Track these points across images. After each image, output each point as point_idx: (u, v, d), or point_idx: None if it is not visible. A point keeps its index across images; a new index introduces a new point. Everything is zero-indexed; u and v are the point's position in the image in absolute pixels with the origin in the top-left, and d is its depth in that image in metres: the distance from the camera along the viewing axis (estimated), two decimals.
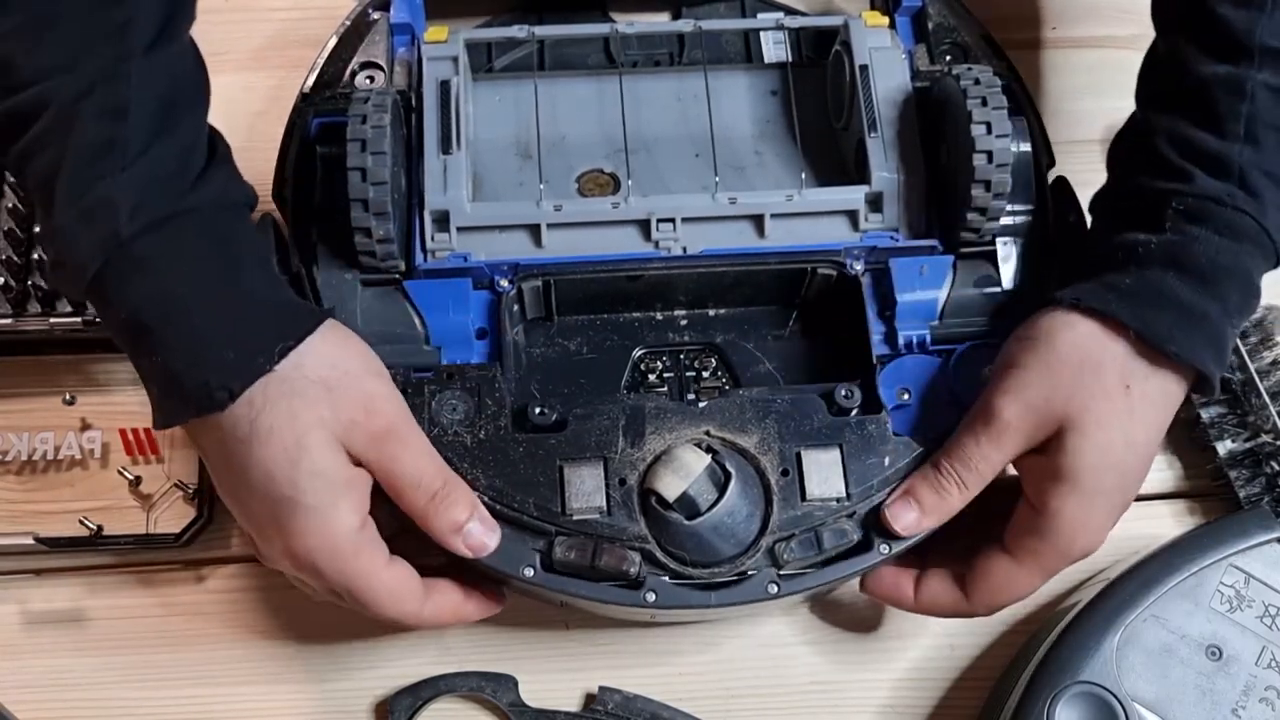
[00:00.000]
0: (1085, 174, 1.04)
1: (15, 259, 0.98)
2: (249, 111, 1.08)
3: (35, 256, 0.99)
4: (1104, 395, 0.79)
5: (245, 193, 0.81)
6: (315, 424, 0.75)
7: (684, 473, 0.81)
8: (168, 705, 0.93)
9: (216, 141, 0.82)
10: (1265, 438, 0.95)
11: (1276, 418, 0.94)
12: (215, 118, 1.07)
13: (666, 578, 0.81)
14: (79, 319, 0.97)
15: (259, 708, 0.93)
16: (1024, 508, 0.83)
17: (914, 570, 0.87)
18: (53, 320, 0.97)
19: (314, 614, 0.94)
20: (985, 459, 0.82)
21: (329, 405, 0.75)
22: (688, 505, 0.81)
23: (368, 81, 0.93)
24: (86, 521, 0.94)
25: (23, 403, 0.99)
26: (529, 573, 0.81)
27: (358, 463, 0.77)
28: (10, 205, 0.99)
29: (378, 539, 0.78)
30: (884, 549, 0.83)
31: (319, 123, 0.91)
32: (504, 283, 0.88)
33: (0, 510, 0.97)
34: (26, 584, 0.96)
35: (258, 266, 0.79)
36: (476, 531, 0.80)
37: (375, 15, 0.95)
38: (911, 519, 0.83)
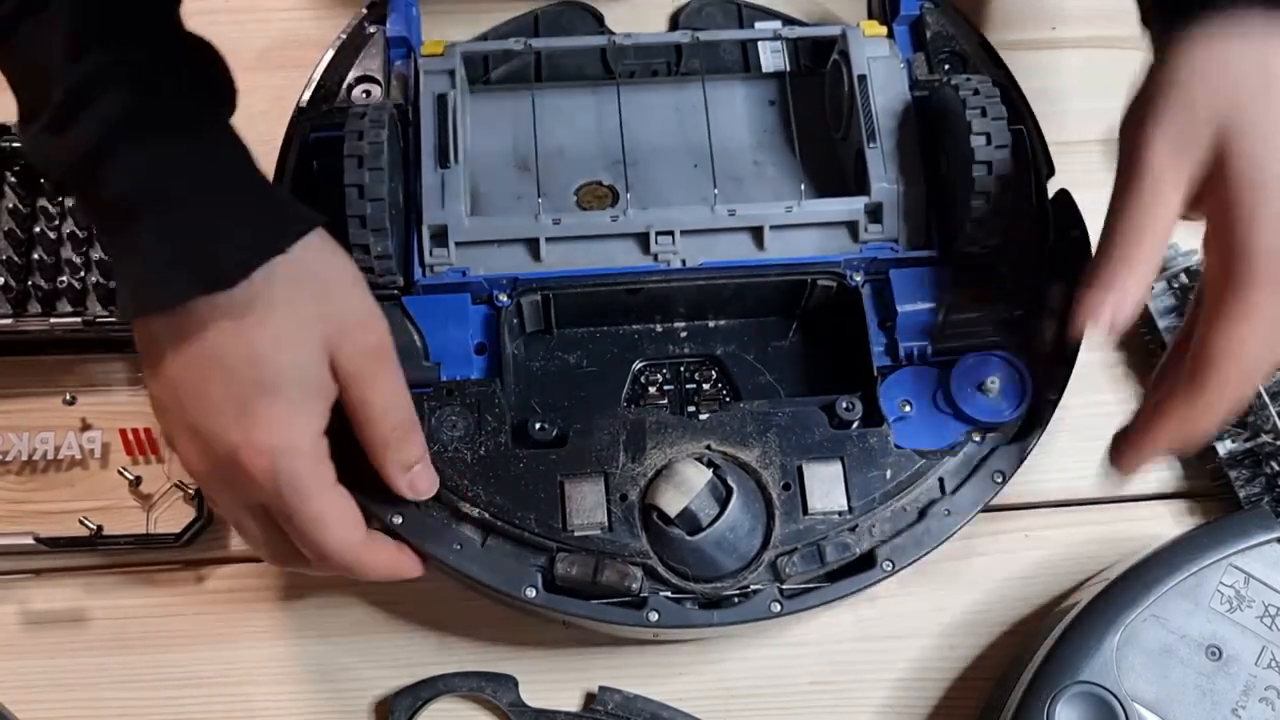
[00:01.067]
0: (1085, 175, 1.03)
1: (15, 259, 0.98)
2: (252, 112, 1.07)
3: (35, 256, 0.98)
4: (1264, 94, 0.71)
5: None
6: (313, 318, 0.73)
7: (685, 488, 0.81)
8: (167, 705, 0.94)
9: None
10: (1265, 438, 0.95)
11: (1276, 418, 0.94)
12: None
13: (668, 593, 0.82)
14: (79, 319, 0.97)
15: (259, 707, 0.94)
16: (1212, 260, 0.74)
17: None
18: (53, 320, 0.97)
19: (314, 614, 0.94)
20: (1152, 216, 0.73)
21: (329, 304, 0.74)
22: (689, 520, 0.81)
23: (364, 95, 0.93)
24: (86, 521, 0.94)
25: (23, 403, 0.99)
26: (531, 593, 0.81)
27: (333, 375, 0.76)
28: (10, 206, 0.99)
29: (329, 459, 0.77)
30: (887, 565, 0.83)
31: (315, 137, 0.91)
32: (503, 297, 0.88)
33: (0, 510, 0.97)
34: (26, 584, 0.96)
35: (257, 165, 0.76)
36: (423, 474, 0.80)
37: (371, 29, 0.94)
38: (1106, 302, 0.73)
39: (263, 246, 0.71)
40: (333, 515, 0.76)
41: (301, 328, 0.73)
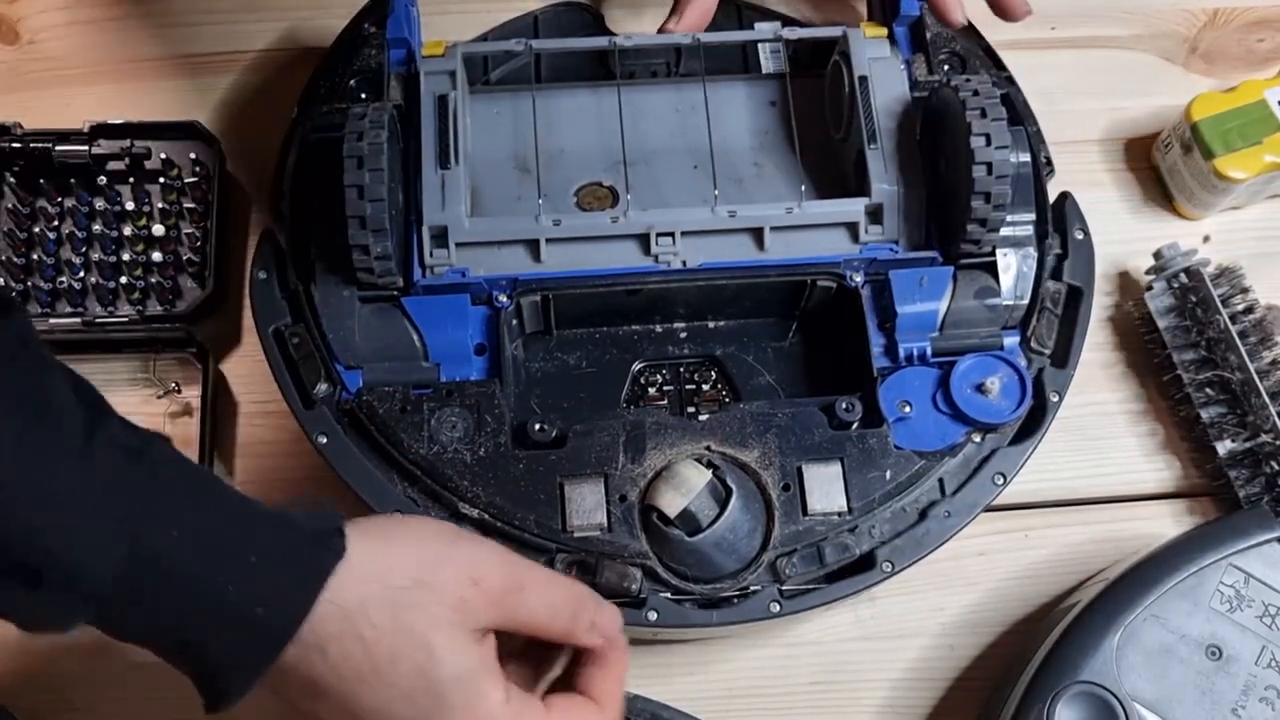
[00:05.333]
0: (1085, 174, 1.05)
1: (14, 259, 0.98)
2: (255, 112, 1.08)
3: (35, 257, 0.99)
4: None
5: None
6: (431, 626, 0.69)
7: (685, 489, 0.81)
8: (168, 705, 0.93)
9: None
10: (1265, 437, 0.95)
11: (1276, 418, 0.94)
12: (223, 120, 1.07)
13: (668, 594, 0.82)
14: (78, 319, 0.97)
15: (259, 706, 0.93)
16: None
17: None
18: (52, 320, 0.97)
19: None
20: None
21: (434, 600, 0.70)
22: (689, 521, 0.81)
23: (363, 96, 0.92)
24: None
25: None
26: None
27: (483, 630, 0.73)
28: (10, 206, 0.99)
29: (521, 693, 0.74)
30: (887, 567, 0.83)
31: (315, 138, 0.90)
32: (502, 298, 0.88)
33: None
34: None
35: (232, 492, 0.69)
36: (606, 615, 0.77)
37: (371, 29, 0.94)
38: None
39: (314, 573, 0.67)
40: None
41: (430, 639, 0.69)
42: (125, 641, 0.66)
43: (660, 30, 0.96)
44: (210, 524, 0.66)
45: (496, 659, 0.72)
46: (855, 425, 0.86)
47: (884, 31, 0.95)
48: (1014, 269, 0.90)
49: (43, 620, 0.64)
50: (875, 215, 0.90)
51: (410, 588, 0.69)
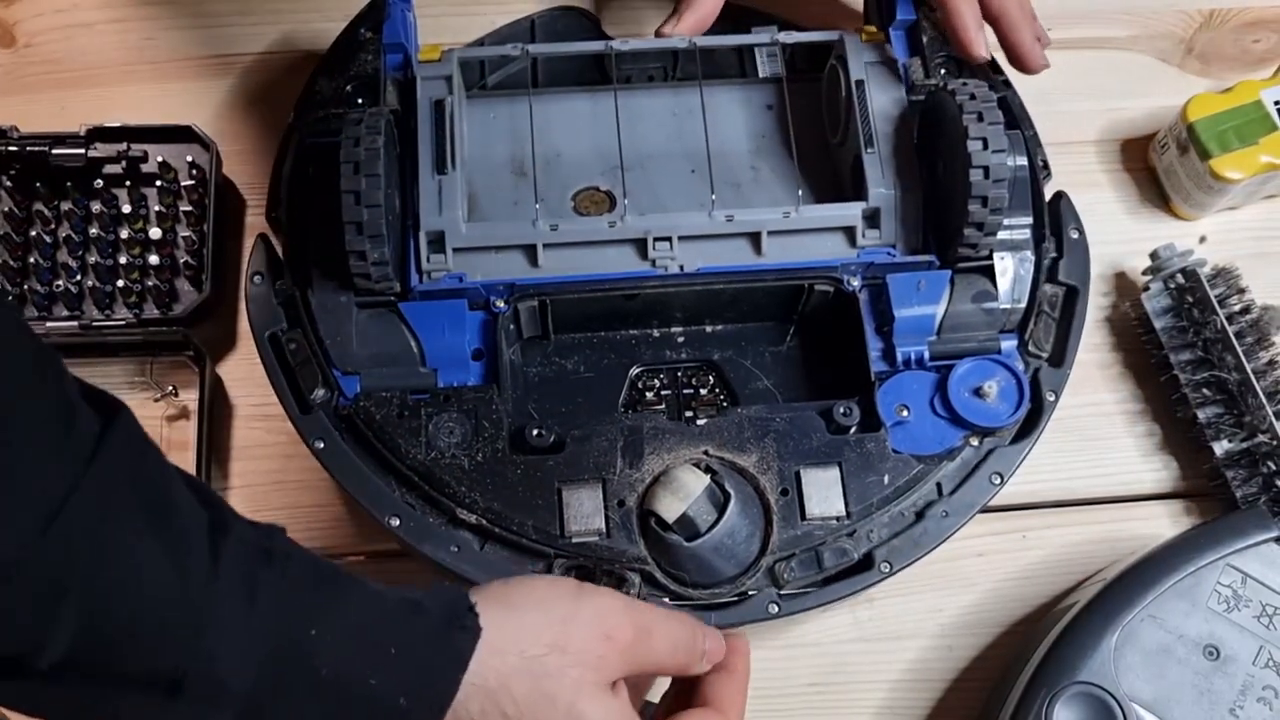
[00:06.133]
0: (1082, 175, 1.04)
1: (11, 263, 0.98)
2: (251, 116, 1.08)
3: (31, 260, 0.99)
4: None
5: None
6: (572, 690, 0.70)
7: (683, 494, 0.81)
8: None
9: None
10: (1262, 438, 0.95)
11: (1273, 418, 0.94)
12: (223, 122, 1.07)
13: (666, 599, 0.82)
14: (75, 323, 0.97)
15: None
16: None
17: None
18: (49, 324, 0.97)
19: None
20: None
21: (571, 663, 0.70)
22: (687, 526, 0.81)
23: (360, 101, 0.92)
24: None
25: None
26: None
27: (615, 680, 0.73)
28: (6, 209, 0.99)
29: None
30: (885, 567, 0.83)
31: (312, 143, 0.90)
32: (500, 303, 0.88)
33: None
34: None
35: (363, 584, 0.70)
36: (715, 638, 0.78)
37: (367, 34, 0.94)
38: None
39: (455, 659, 0.67)
40: None
41: (575, 705, 0.70)
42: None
43: (657, 33, 0.95)
44: (346, 620, 0.66)
45: (630, 704, 0.73)
46: (853, 429, 0.86)
47: (880, 35, 0.95)
48: (1011, 272, 0.90)
49: None
50: (872, 219, 0.90)
51: (546, 655, 0.69)
